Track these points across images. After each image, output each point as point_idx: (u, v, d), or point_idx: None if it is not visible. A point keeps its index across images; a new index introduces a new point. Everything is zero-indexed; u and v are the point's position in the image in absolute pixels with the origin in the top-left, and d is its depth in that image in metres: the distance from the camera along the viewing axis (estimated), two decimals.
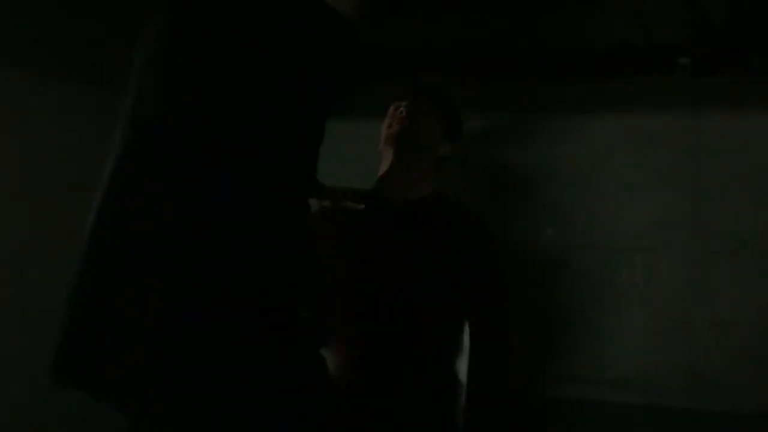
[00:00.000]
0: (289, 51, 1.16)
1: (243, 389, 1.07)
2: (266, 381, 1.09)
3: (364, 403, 1.84)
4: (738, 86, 2.09)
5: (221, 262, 1.07)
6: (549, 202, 2.27)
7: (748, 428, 2.11)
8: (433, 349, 1.89)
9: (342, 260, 1.89)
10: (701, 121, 2.14)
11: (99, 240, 1.14)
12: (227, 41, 1.16)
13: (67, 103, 2.54)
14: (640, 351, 2.24)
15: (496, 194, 2.28)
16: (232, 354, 1.05)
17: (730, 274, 2.16)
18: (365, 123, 2.34)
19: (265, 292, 1.10)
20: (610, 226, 2.23)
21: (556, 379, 2.31)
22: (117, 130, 1.22)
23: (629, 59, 2.11)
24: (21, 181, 2.41)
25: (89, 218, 1.18)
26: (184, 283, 1.06)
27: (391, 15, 2.33)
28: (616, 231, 2.22)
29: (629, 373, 2.25)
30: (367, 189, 2.00)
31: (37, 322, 2.33)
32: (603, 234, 2.24)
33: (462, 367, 1.97)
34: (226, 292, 1.06)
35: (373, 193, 1.98)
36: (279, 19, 1.18)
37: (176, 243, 1.07)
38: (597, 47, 2.17)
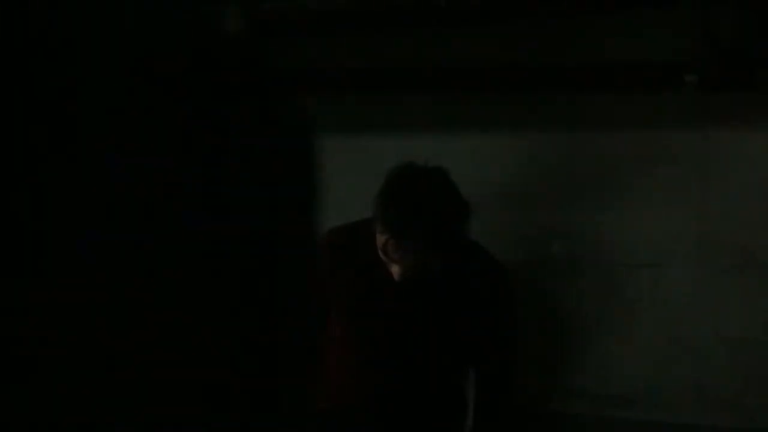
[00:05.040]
0: None
1: None
2: None
3: (365, 424, 1.84)
4: (745, 102, 2.08)
5: None
6: (556, 218, 2.26)
7: None
8: (437, 379, 1.87)
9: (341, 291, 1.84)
10: (709, 137, 2.14)
11: None
12: None
13: None
14: (647, 367, 2.23)
15: (503, 210, 2.27)
16: None
17: (737, 290, 2.15)
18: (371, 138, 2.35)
19: None
20: (617, 242, 2.22)
21: (563, 395, 2.30)
22: None
23: (636, 75, 2.10)
24: None
25: None
26: None
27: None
28: (623, 247, 2.22)
29: (636, 388, 2.25)
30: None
31: None
32: (610, 250, 2.23)
33: (469, 387, 1.96)
34: None
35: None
36: None
37: None
38: (604, 63, 2.16)
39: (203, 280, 1.06)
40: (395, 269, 1.70)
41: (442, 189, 1.66)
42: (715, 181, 2.14)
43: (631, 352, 2.23)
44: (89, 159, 1.06)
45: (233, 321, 1.09)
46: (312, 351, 1.94)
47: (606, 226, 2.22)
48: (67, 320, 1.04)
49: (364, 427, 1.83)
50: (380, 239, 1.68)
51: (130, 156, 1.09)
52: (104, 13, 1.10)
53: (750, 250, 2.13)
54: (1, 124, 1.03)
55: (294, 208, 1.15)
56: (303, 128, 1.15)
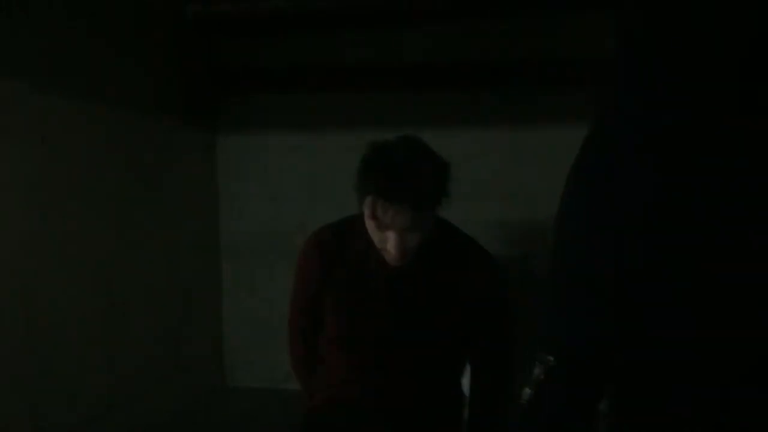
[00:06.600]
0: None
1: None
2: None
3: (365, 419, 1.86)
4: None
5: None
6: (549, 218, 2.27)
7: None
8: (434, 373, 1.89)
9: (338, 291, 1.86)
10: None
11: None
12: None
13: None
14: None
15: (492, 210, 2.27)
16: None
17: None
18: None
19: None
20: None
21: None
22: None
23: None
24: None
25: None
26: None
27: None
28: None
29: None
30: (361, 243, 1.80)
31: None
32: None
33: (465, 380, 1.97)
34: None
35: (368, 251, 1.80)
36: None
37: None
38: (601, 57, 2.16)
39: None
40: (390, 246, 1.72)
41: (421, 150, 1.71)
42: None
43: None
44: None
45: None
46: None
47: None
48: None
49: (363, 422, 1.85)
50: (368, 208, 1.71)
51: None
52: None
53: None
54: None
55: None
56: None
